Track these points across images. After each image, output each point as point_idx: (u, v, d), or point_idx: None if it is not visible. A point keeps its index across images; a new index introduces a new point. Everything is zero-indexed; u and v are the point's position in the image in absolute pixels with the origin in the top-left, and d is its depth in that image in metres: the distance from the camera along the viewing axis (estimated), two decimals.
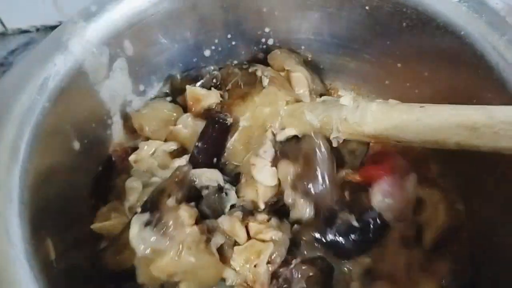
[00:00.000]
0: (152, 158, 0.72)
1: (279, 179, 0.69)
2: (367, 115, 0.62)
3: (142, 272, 0.61)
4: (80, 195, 0.69)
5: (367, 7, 0.72)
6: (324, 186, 0.64)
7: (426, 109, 0.58)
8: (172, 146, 0.73)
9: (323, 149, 0.65)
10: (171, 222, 0.61)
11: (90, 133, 0.71)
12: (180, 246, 0.60)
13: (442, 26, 0.67)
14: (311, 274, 0.64)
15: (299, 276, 0.64)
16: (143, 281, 0.62)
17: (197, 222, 0.63)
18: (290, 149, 0.68)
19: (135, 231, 0.61)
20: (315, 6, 0.75)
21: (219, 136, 0.70)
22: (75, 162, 0.67)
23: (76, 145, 0.68)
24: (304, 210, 0.65)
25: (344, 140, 0.67)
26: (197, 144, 0.70)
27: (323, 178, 0.64)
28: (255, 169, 0.68)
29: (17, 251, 0.51)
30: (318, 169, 0.65)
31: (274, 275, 0.64)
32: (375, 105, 0.62)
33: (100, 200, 0.72)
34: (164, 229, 0.60)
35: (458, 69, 0.68)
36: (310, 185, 0.64)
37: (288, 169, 0.66)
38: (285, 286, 0.64)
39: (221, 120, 0.70)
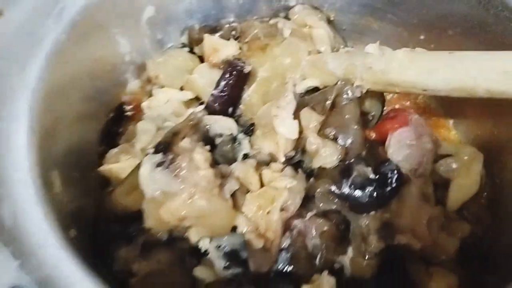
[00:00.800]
0: (166, 105, 0.70)
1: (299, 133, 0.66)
2: (394, 62, 0.60)
3: (151, 215, 0.58)
4: (89, 137, 0.68)
5: None
6: (353, 134, 0.62)
7: (456, 54, 0.56)
8: (188, 95, 0.71)
9: (351, 95, 0.62)
10: (184, 164, 0.58)
11: (104, 75, 0.69)
12: (193, 189, 0.57)
13: None
14: (325, 228, 0.62)
15: (314, 230, 0.61)
16: (150, 225, 0.59)
17: (211, 167, 0.60)
18: (312, 98, 0.66)
19: (145, 171, 0.58)
20: None
21: (236, 83, 0.68)
22: (86, 101, 0.66)
23: (88, 84, 0.65)
24: (330, 157, 0.62)
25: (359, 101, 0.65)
26: (213, 91, 0.68)
27: (352, 125, 0.62)
28: (277, 120, 0.64)
29: (23, 172, 0.48)
30: (348, 115, 0.62)
31: (288, 227, 0.61)
32: (402, 52, 0.60)
33: (109, 147, 0.69)
34: (177, 171, 0.57)
35: (483, 30, 0.65)
36: (339, 132, 0.62)
37: (311, 117, 0.63)
38: (299, 239, 0.61)
39: (238, 67, 0.67)
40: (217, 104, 0.68)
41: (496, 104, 0.63)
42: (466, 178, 0.67)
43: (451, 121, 0.79)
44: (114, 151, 0.66)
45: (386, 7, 0.77)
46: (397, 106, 0.78)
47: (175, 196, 0.57)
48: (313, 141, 0.63)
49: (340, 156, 0.62)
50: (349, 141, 0.62)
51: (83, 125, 0.66)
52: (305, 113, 0.64)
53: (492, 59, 0.54)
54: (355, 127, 0.62)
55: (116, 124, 0.72)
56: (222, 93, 0.68)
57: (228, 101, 0.68)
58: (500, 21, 0.63)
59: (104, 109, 0.71)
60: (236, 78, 0.68)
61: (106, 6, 0.65)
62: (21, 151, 0.50)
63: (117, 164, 0.64)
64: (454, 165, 0.68)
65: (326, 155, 0.62)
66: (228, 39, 0.74)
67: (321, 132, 0.63)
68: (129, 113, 0.74)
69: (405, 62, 0.59)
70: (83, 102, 0.66)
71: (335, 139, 0.62)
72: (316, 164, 0.63)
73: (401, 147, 0.63)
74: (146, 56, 0.75)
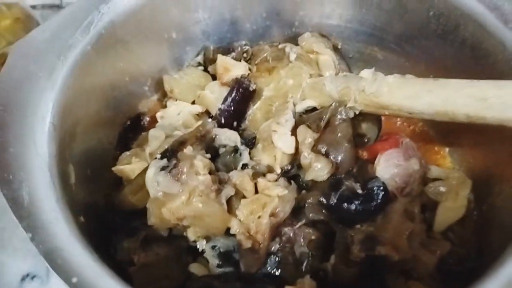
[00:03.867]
0: (177, 117, 0.76)
1: (295, 149, 0.71)
2: (384, 86, 0.65)
3: (153, 214, 0.64)
4: (106, 141, 0.75)
5: None
6: (343, 151, 0.67)
7: (439, 81, 0.61)
8: (198, 108, 0.78)
9: (344, 116, 0.67)
10: (185, 169, 0.64)
11: (123, 86, 0.76)
12: (192, 192, 0.63)
13: (466, 14, 0.69)
14: (313, 237, 0.66)
15: (302, 238, 0.66)
16: (153, 223, 0.64)
17: (210, 173, 0.66)
18: (309, 117, 0.71)
19: (151, 174, 0.64)
20: None
21: (242, 100, 0.74)
22: (105, 108, 0.73)
23: (109, 92, 0.73)
24: (321, 171, 0.67)
25: (356, 122, 0.70)
26: (220, 106, 0.74)
27: (343, 143, 0.67)
28: (276, 136, 0.70)
29: (41, 161, 0.55)
30: (340, 134, 0.67)
31: (278, 234, 0.66)
32: (392, 77, 0.65)
33: (123, 151, 0.76)
34: (178, 175, 0.64)
35: (481, 60, 0.70)
36: (331, 149, 0.67)
37: (307, 133, 0.69)
38: (287, 245, 0.66)
39: (244, 85, 0.74)
40: (223, 117, 0.74)
41: (488, 134, 0.68)
42: (453, 201, 0.71)
43: (447, 149, 0.82)
44: (126, 153, 0.72)
45: (391, 38, 0.82)
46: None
47: (176, 197, 0.63)
48: (306, 156, 0.68)
49: (330, 170, 0.68)
50: (339, 157, 0.67)
51: (101, 129, 0.73)
52: (301, 130, 0.70)
53: (471, 87, 0.58)
54: (346, 144, 0.67)
55: (131, 131, 0.79)
56: (228, 108, 0.74)
57: (233, 115, 0.74)
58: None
59: (121, 117, 0.78)
60: (242, 95, 0.74)
61: (130, 23, 0.72)
62: (43, 143, 0.57)
63: (128, 166, 0.70)
64: (442, 189, 0.71)
65: (318, 169, 0.68)
66: (240, 61, 0.81)
67: (314, 148, 0.68)
68: (145, 123, 0.81)
69: (394, 86, 0.64)
70: (102, 108, 0.73)
71: (327, 155, 0.67)
72: (308, 177, 0.68)
73: (389, 166, 0.67)
74: (164, 72, 0.82)
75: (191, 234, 0.64)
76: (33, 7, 1.10)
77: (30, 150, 0.56)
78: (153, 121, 0.80)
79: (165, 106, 0.80)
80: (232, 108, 0.74)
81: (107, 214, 0.67)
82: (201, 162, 0.65)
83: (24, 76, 0.61)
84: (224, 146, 0.72)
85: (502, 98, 0.55)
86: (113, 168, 0.71)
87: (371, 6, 0.79)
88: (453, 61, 0.74)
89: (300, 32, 0.86)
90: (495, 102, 0.56)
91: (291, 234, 0.66)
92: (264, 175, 0.70)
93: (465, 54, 0.71)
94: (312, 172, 0.68)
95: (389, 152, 0.68)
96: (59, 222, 0.51)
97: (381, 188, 0.65)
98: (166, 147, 0.68)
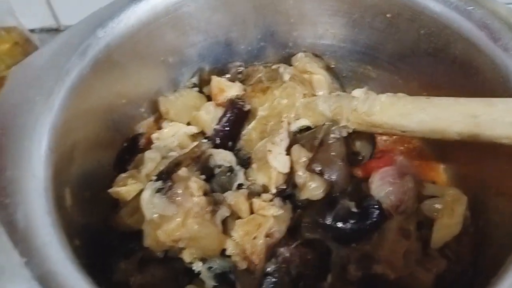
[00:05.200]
0: (173, 138, 0.77)
1: (290, 168, 0.72)
2: (376, 105, 0.66)
3: (149, 236, 0.64)
4: (103, 162, 0.75)
5: (388, 15, 0.76)
6: (337, 169, 0.67)
7: (431, 100, 0.62)
8: (193, 129, 0.78)
9: (337, 135, 0.68)
10: (180, 191, 0.64)
11: (120, 108, 0.77)
12: (187, 213, 0.63)
13: (456, 32, 0.70)
14: (309, 257, 0.66)
15: (298, 258, 0.66)
16: (149, 244, 0.65)
17: (205, 194, 0.66)
18: (303, 136, 0.72)
19: (146, 196, 0.65)
20: (341, 12, 0.80)
21: (237, 120, 0.75)
22: (103, 130, 0.74)
23: (106, 115, 0.74)
24: (316, 190, 0.67)
25: (350, 140, 0.71)
26: (215, 126, 0.75)
27: (337, 161, 0.67)
28: (271, 155, 0.70)
29: (37, 184, 0.56)
30: (333, 153, 0.68)
31: (274, 254, 0.66)
32: (384, 96, 0.66)
33: (120, 173, 0.76)
34: (173, 197, 0.64)
35: (472, 77, 0.71)
36: (325, 167, 0.67)
37: (301, 153, 0.69)
38: (283, 265, 0.66)
39: (239, 105, 0.75)
40: (218, 138, 0.75)
41: (482, 150, 0.68)
42: (449, 218, 0.71)
43: (442, 166, 0.83)
44: (123, 175, 0.73)
45: (383, 57, 0.83)
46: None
47: (171, 219, 0.63)
48: (301, 175, 0.69)
49: (325, 189, 0.68)
50: (334, 176, 0.67)
51: (98, 151, 0.74)
52: (296, 149, 0.70)
53: (462, 104, 0.59)
54: (340, 163, 0.68)
55: (128, 153, 0.79)
56: (223, 128, 0.75)
57: (228, 135, 0.75)
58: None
59: (119, 139, 0.79)
60: (237, 115, 0.75)
61: (127, 47, 0.73)
62: (40, 167, 0.57)
63: (124, 188, 0.71)
64: (438, 206, 0.72)
65: (313, 188, 0.68)
66: (234, 81, 0.82)
67: (309, 167, 0.68)
68: (141, 144, 0.82)
69: (386, 105, 0.65)
70: (100, 131, 0.74)
71: (321, 174, 0.67)
72: (303, 196, 0.69)
73: (383, 184, 0.68)
74: (160, 93, 0.82)
75: (186, 256, 0.65)
76: (32, 30, 1.11)
77: (26, 174, 0.56)
78: (149, 143, 0.81)
79: (161, 128, 0.81)
80: (227, 128, 0.75)
81: (103, 235, 0.67)
82: (196, 183, 0.66)
83: (21, 101, 0.62)
84: (219, 166, 0.72)
85: (492, 116, 0.56)
86: (109, 190, 0.71)
87: (364, 26, 0.81)
88: (444, 78, 0.75)
89: (294, 52, 0.87)
90: (486, 120, 0.56)
91: (287, 254, 0.66)
92: (259, 195, 0.70)
93: (456, 71, 0.72)
94: (307, 191, 0.68)
95: (383, 170, 0.69)
96: (53, 245, 0.51)
97: (376, 206, 0.65)
98: (162, 168, 0.69)
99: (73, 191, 0.64)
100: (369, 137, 0.76)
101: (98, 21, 0.71)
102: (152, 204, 0.63)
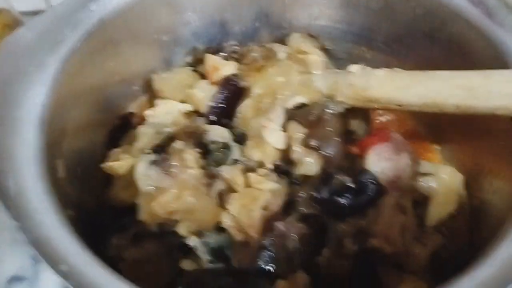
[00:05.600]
0: (167, 115, 0.76)
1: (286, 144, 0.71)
2: (372, 79, 0.65)
3: (144, 209, 0.64)
4: (95, 139, 0.74)
5: None
6: (334, 144, 0.67)
7: (427, 73, 0.62)
8: (188, 107, 0.77)
9: (333, 111, 0.68)
10: (175, 163, 0.64)
11: (113, 85, 0.76)
12: (182, 185, 0.63)
13: (452, 11, 0.70)
14: (305, 232, 0.65)
15: (294, 233, 0.65)
16: (143, 218, 0.64)
17: (201, 167, 0.65)
18: (299, 113, 0.71)
19: (141, 168, 0.64)
20: None
21: (231, 97, 0.74)
22: (95, 107, 0.73)
23: (99, 91, 0.73)
24: (311, 166, 0.67)
25: (346, 119, 0.71)
26: (210, 104, 0.74)
27: (333, 136, 0.67)
28: (266, 131, 0.70)
29: (29, 153, 0.54)
30: (330, 128, 0.68)
31: (270, 228, 0.65)
32: (381, 71, 0.66)
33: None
34: (168, 169, 0.63)
35: (469, 56, 0.71)
36: (322, 143, 0.67)
37: (297, 128, 0.69)
38: (279, 240, 0.65)
39: (234, 82, 0.74)
40: (213, 115, 0.74)
41: (476, 129, 0.69)
42: (444, 196, 0.71)
43: (437, 146, 0.82)
44: (116, 150, 0.72)
45: (379, 38, 0.83)
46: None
47: (166, 191, 0.62)
48: (297, 150, 0.68)
49: (322, 165, 0.67)
50: (330, 151, 0.67)
51: (90, 128, 0.72)
52: (291, 125, 0.70)
53: (459, 77, 0.59)
54: (337, 139, 0.67)
55: (121, 131, 0.78)
56: (218, 105, 0.74)
57: (223, 112, 0.74)
58: None
59: (111, 117, 0.78)
60: (232, 92, 0.74)
61: (120, 23, 0.73)
62: (31, 136, 0.56)
63: (117, 162, 0.69)
64: (433, 184, 0.71)
65: (309, 163, 0.67)
66: (229, 60, 0.81)
67: (305, 143, 0.68)
68: (134, 122, 0.81)
69: (382, 79, 0.65)
70: (93, 107, 0.73)
71: (317, 149, 0.67)
72: (299, 171, 0.68)
73: (379, 160, 0.67)
74: (153, 72, 0.81)
75: (182, 229, 0.64)
76: (23, 13, 1.09)
77: (17, 143, 0.55)
78: (142, 121, 0.79)
79: (154, 105, 0.79)
80: (222, 105, 0.74)
81: (97, 210, 0.66)
82: (192, 156, 0.65)
83: (13, 70, 0.61)
84: (214, 142, 0.71)
85: (488, 87, 0.56)
86: (102, 165, 0.70)
87: (359, 6, 0.81)
88: (441, 58, 0.75)
89: (289, 34, 0.86)
90: (482, 91, 0.56)
91: (283, 228, 0.65)
92: (254, 170, 0.69)
93: (453, 50, 0.72)
94: (303, 167, 0.67)
95: (379, 146, 0.69)
96: (47, 212, 0.50)
97: (373, 181, 0.65)
98: (156, 143, 0.68)
99: (66, 164, 0.62)
100: (365, 116, 0.75)
101: None
102: (146, 176, 0.63)
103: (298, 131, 0.69)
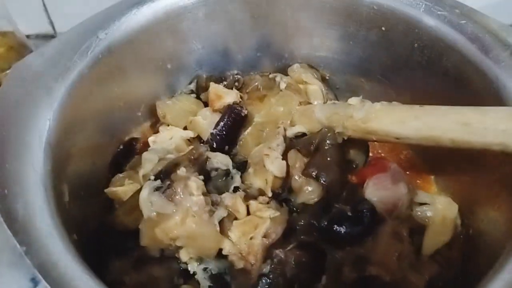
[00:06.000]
0: (170, 141, 0.78)
1: (286, 173, 0.73)
2: (371, 112, 0.67)
3: (146, 234, 0.65)
4: (100, 164, 0.75)
5: (383, 27, 0.79)
6: (333, 174, 0.68)
7: (425, 108, 0.64)
8: (190, 133, 0.79)
9: (333, 141, 0.70)
10: (179, 190, 0.65)
11: (118, 111, 0.78)
12: (185, 212, 0.64)
13: (449, 46, 0.72)
14: (304, 259, 0.67)
15: (293, 260, 0.66)
16: (146, 243, 0.65)
17: (203, 195, 0.67)
18: (299, 142, 0.73)
19: (145, 194, 0.65)
20: (337, 25, 0.83)
21: (234, 125, 0.76)
22: (100, 132, 0.74)
23: (104, 116, 0.74)
24: (311, 195, 0.69)
25: (344, 149, 0.73)
26: (212, 131, 0.76)
27: (332, 166, 0.69)
28: (268, 159, 0.72)
29: (37, 177, 0.56)
30: (329, 158, 0.69)
31: (269, 256, 0.66)
32: (379, 104, 0.68)
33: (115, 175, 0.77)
34: (172, 195, 0.64)
35: (465, 89, 0.73)
36: (321, 172, 0.68)
37: (297, 157, 0.71)
38: (278, 267, 0.66)
39: (236, 110, 0.76)
40: (215, 142, 0.76)
41: (471, 161, 0.71)
42: (440, 226, 0.73)
43: (433, 176, 0.84)
44: (120, 175, 0.73)
45: (377, 69, 0.86)
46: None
47: (169, 217, 0.63)
48: (297, 179, 0.70)
49: (321, 194, 0.69)
50: (329, 180, 0.68)
51: (94, 152, 0.74)
52: (292, 154, 0.72)
53: (455, 113, 0.61)
54: (336, 168, 0.69)
55: (123, 156, 0.79)
56: (220, 133, 0.76)
57: (225, 140, 0.76)
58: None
59: (115, 141, 0.79)
60: (234, 120, 0.76)
61: (126, 50, 0.75)
62: (39, 160, 0.58)
63: (121, 188, 0.71)
64: (429, 213, 0.73)
65: (308, 192, 0.69)
66: (231, 89, 0.83)
67: (305, 172, 0.70)
68: (137, 148, 0.82)
69: (381, 113, 0.67)
70: (96, 131, 0.74)
71: (317, 178, 0.68)
72: (299, 200, 0.70)
73: (377, 189, 0.69)
74: (157, 98, 0.83)
75: (183, 255, 0.65)
76: (28, 36, 1.12)
77: (26, 167, 0.56)
78: (145, 146, 0.81)
79: (157, 132, 0.81)
80: (224, 132, 0.76)
81: (100, 234, 0.67)
82: (195, 183, 0.66)
83: (22, 96, 0.63)
84: (216, 169, 0.73)
85: (484, 124, 0.58)
86: (105, 190, 0.72)
87: (358, 38, 0.83)
88: (437, 90, 0.77)
89: (290, 63, 0.89)
90: (478, 127, 0.58)
91: (282, 256, 0.66)
92: (255, 198, 0.71)
93: (449, 83, 0.74)
94: (303, 195, 0.69)
95: (377, 176, 0.70)
96: (53, 237, 0.51)
97: (370, 209, 0.66)
98: (160, 169, 0.69)
99: (71, 188, 0.64)
100: (363, 146, 0.77)
101: (100, 23, 0.72)
102: (150, 202, 0.64)
103: (298, 160, 0.71)
